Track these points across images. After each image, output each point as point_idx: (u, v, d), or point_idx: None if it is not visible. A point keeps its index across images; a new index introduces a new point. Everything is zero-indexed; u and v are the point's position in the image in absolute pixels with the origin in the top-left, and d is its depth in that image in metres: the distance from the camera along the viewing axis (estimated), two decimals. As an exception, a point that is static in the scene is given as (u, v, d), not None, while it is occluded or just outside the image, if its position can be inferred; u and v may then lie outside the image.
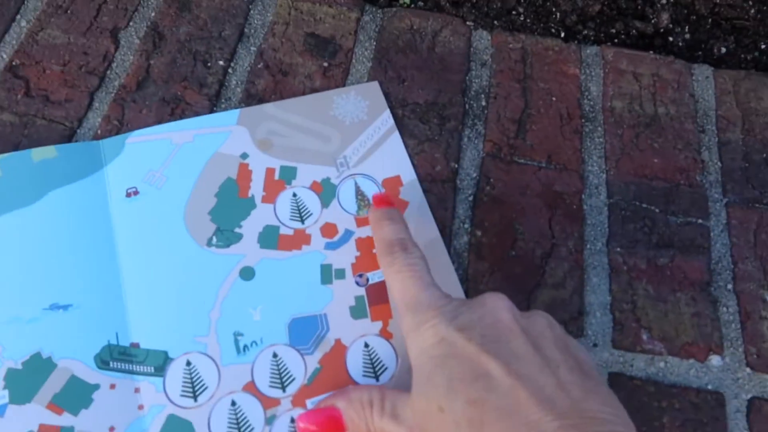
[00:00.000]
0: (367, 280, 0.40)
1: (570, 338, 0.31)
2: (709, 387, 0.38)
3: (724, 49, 0.55)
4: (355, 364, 0.37)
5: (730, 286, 0.42)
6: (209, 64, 0.48)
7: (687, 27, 0.56)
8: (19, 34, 0.48)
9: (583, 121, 0.47)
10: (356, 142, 0.44)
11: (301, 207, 0.42)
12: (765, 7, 0.57)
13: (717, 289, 0.41)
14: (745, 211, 0.45)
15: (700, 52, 0.55)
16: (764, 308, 0.41)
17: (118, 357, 0.36)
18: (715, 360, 0.39)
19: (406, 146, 0.45)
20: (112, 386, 0.36)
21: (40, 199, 0.40)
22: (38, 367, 0.36)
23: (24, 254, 0.39)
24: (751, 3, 0.58)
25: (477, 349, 0.27)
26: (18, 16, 0.49)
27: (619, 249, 0.42)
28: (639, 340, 0.39)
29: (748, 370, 0.39)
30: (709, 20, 0.57)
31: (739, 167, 0.46)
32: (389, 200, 0.40)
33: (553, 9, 0.54)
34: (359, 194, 0.42)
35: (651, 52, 0.52)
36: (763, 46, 0.56)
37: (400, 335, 0.37)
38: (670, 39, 0.55)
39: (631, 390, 0.38)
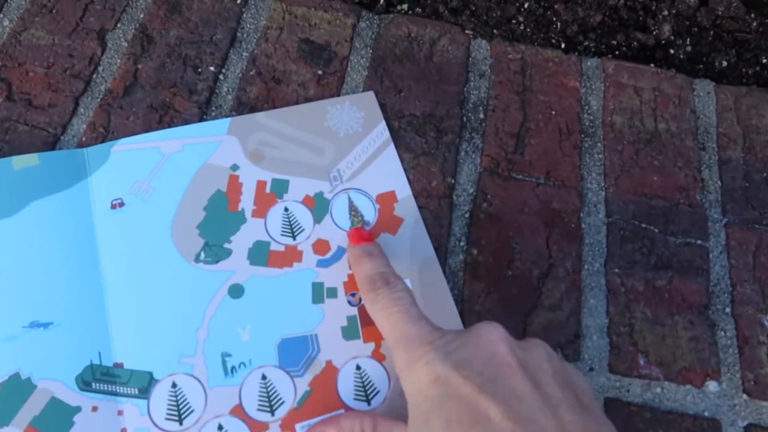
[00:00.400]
0: (360, 299, 0.39)
1: (568, 366, 0.30)
2: (706, 414, 0.38)
3: (725, 63, 0.54)
4: (346, 386, 0.36)
5: (728, 310, 0.41)
6: (200, 70, 0.46)
7: (688, 39, 0.55)
8: (2, 33, 0.46)
9: (582, 136, 0.46)
10: (350, 155, 0.43)
11: (293, 222, 0.41)
12: (767, 21, 0.57)
13: (715, 312, 0.41)
14: (744, 232, 0.44)
15: (701, 65, 0.54)
16: (762, 333, 0.40)
17: (101, 378, 0.35)
18: (712, 386, 0.39)
19: (402, 160, 0.43)
20: (95, 409, 0.34)
21: (20, 210, 0.39)
22: (17, 389, 0.34)
23: (2, 268, 0.37)
24: (753, 16, 0.57)
25: (475, 390, 0.26)
26: (0, 15, 0.47)
27: (617, 270, 0.42)
28: (636, 365, 0.39)
29: (744, 396, 0.38)
30: (711, 33, 0.56)
31: (740, 187, 0.46)
32: (366, 235, 0.38)
33: (554, 19, 0.53)
34: (353, 210, 0.41)
35: (652, 64, 0.52)
36: (764, 61, 0.55)
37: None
38: (671, 51, 0.54)
39: (627, 416, 0.37)
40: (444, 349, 0.28)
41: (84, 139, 0.43)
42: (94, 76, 0.45)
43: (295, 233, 0.40)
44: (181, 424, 0.34)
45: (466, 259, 0.41)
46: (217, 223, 0.40)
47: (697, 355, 0.39)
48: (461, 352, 0.28)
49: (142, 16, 0.48)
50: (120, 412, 0.34)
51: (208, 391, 0.35)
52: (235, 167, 0.42)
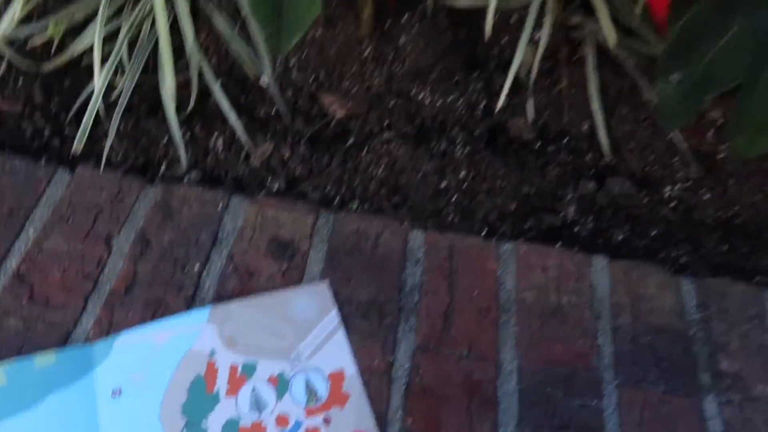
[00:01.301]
0: (314, 468, 0.47)
1: None
2: None
3: (621, 236, 0.66)
4: None
5: (620, 463, 0.50)
6: (186, 269, 0.57)
7: (591, 217, 0.67)
8: (27, 242, 0.57)
9: (499, 312, 0.57)
10: (307, 340, 0.53)
11: (259, 400, 0.50)
12: (656, 197, 0.69)
13: (609, 466, 0.49)
14: (632, 390, 0.53)
15: (600, 239, 0.66)
16: (648, 483, 0.49)
17: None
18: None
19: (350, 342, 0.53)
20: None
21: (39, 404, 0.48)
22: None
23: (22, 454, 0.46)
24: (644, 193, 0.70)
25: None
26: (26, 224, 0.58)
27: None
28: None
29: None
30: (609, 210, 0.68)
31: (628, 350, 0.56)
32: None
33: (477, 208, 0.65)
34: (309, 388, 0.51)
35: (559, 242, 0.63)
36: (653, 233, 0.67)
37: None
38: (576, 229, 0.66)
39: None
40: None
41: (91, 333, 0.53)
42: (101, 276, 0.56)
43: (261, 409, 0.49)
44: None
45: (402, 427, 0.50)
46: (197, 403, 0.49)
47: (594, 505, 0.48)
48: None
49: (142, 222, 0.60)
50: None
51: None
52: (212, 353, 0.52)
